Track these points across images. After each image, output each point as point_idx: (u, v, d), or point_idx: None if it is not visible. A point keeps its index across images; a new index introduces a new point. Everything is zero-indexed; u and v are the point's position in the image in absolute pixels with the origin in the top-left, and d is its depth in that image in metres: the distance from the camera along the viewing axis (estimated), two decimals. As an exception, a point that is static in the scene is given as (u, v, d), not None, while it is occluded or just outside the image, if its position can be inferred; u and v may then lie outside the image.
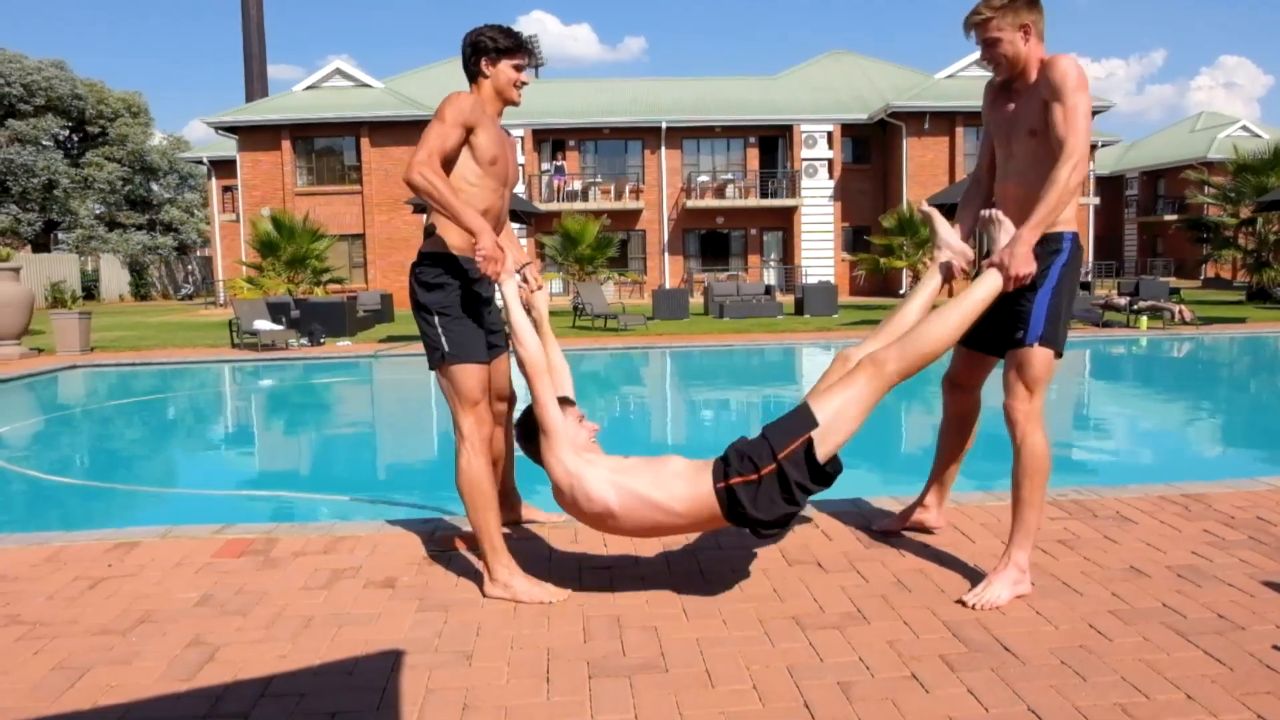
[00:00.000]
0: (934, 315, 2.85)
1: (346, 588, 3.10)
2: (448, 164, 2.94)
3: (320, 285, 20.25)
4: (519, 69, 3.11)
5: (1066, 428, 7.68)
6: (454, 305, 3.04)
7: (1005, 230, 2.94)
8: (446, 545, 3.51)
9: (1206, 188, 25.07)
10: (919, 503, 3.57)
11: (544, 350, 3.02)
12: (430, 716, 2.22)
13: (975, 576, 3.08)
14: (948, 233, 3.16)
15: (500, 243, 2.96)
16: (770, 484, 2.66)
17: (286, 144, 27.71)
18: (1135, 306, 15.11)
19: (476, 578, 3.16)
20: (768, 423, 2.79)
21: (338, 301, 16.31)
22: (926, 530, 3.57)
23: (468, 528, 3.71)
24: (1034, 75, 2.89)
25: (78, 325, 13.22)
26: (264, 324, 13.51)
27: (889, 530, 3.58)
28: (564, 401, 2.98)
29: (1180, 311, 14.69)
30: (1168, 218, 39.76)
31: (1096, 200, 35.09)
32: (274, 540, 3.62)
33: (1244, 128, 39.80)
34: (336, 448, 7.66)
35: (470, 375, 3.03)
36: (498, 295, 3.10)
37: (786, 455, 2.65)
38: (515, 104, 3.15)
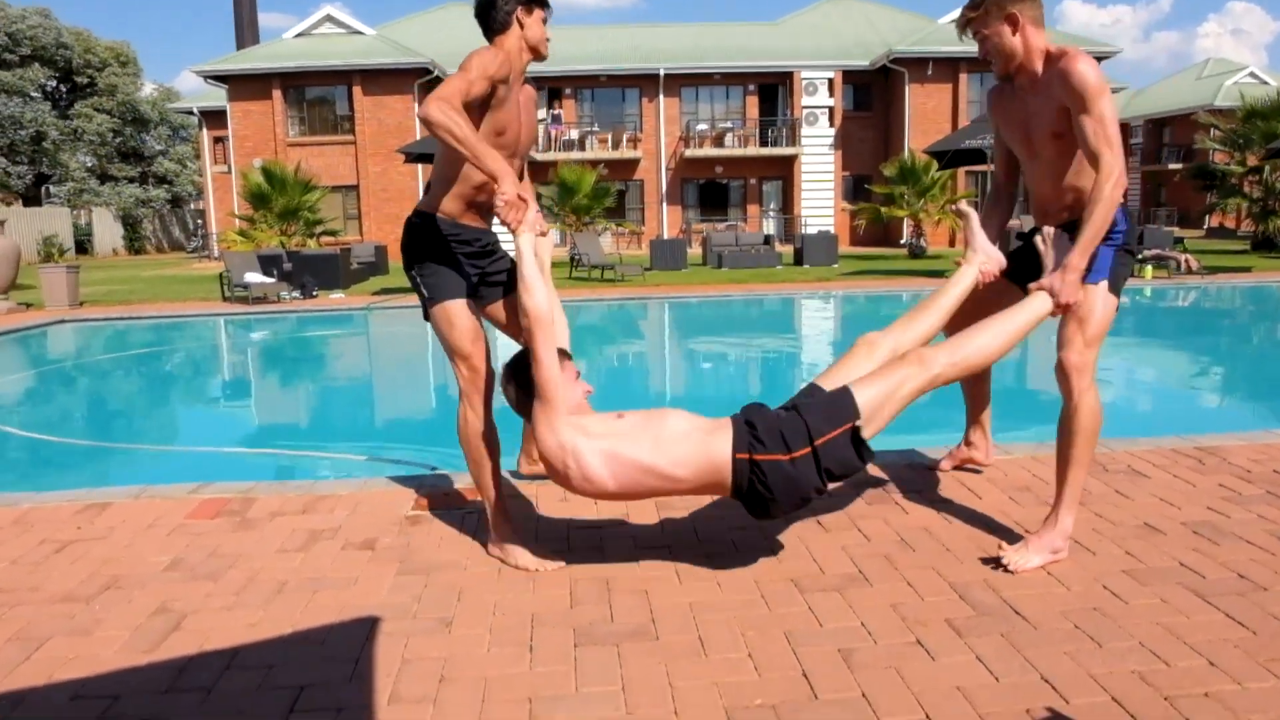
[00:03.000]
0: (985, 328, 2.71)
1: (324, 550, 2.96)
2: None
3: (313, 237, 19.98)
4: (546, 21, 2.88)
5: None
6: (432, 260, 2.88)
7: (1058, 251, 2.81)
8: (431, 504, 3.37)
9: (1214, 131, 24.58)
10: (965, 441, 3.62)
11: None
12: (405, 688, 2.09)
13: (982, 534, 2.95)
14: (981, 238, 3.03)
15: (523, 193, 2.72)
16: (802, 466, 2.43)
17: (277, 93, 27.21)
18: (1140, 255, 14.88)
19: (460, 539, 3.03)
20: (803, 403, 2.57)
21: (330, 254, 16.06)
22: (975, 468, 3.61)
23: (456, 484, 3.58)
24: (1039, 66, 2.74)
25: (65, 279, 13.01)
26: (255, 277, 13.30)
27: (941, 469, 3.65)
28: (561, 355, 2.65)
29: (1186, 261, 14.47)
30: (1172, 166, 39.24)
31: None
32: (251, 500, 3.48)
33: (1252, 74, 39.02)
34: (324, 402, 7.52)
35: (454, 315, 2.82)
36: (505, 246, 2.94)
37: (824, 441, 2.44)
38: (544, 58, 2.90)
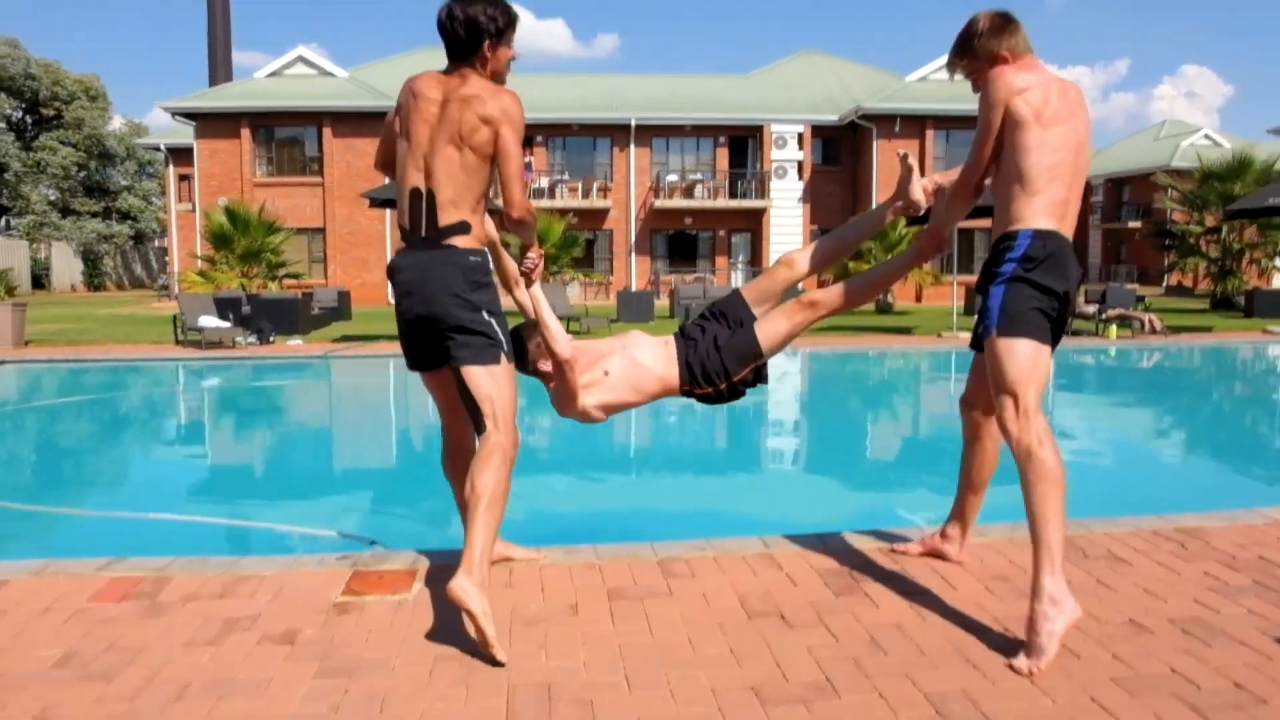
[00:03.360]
0: (866, 276, 3.44)
1: (237, 643, 2.67)
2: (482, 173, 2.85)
3: (275, 280, 19.62)
4: (510, 46, 2.90)
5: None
6: (499, 306, 2.87)
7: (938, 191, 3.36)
8: (364, 588, 3.09)
9: (1172, 191, 25.07)
10: (940, 532, 3.38)
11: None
12: (307, 828, 1.81)
13: (958, 632, 2.72)
14: (907, 186, 3.40)
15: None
16: (725, 391, 3.29)
17: (246, 132, 26.99)
18: (1104, 315, 14.94)
19: (391, 632, 2.75)
20: (724, 340, 3.28)
21: (291, 298, 15.74)
22: (942, 557, 3.37)
23: (395, 564, 3.31)
24: None
25: (10, 317, 12.58)
26: (209, 320, 12.93)
27: (906, 552, 3.43)
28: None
29: (1150, 320, 14.54)
30: (1132, 224, 40.04)
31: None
32: (165, 579, 3.18)
33: (1206, 136, 40.09)
34: (266, 462, 7.10)
35: (513, 372, 2.94)
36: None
37: (738, 378, 3.26)
38: (503, 84, 2.91)
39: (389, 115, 2.97)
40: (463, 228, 2.82)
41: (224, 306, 14.03)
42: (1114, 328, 14.54)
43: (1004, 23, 2.86)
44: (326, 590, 3.08)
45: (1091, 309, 15.31)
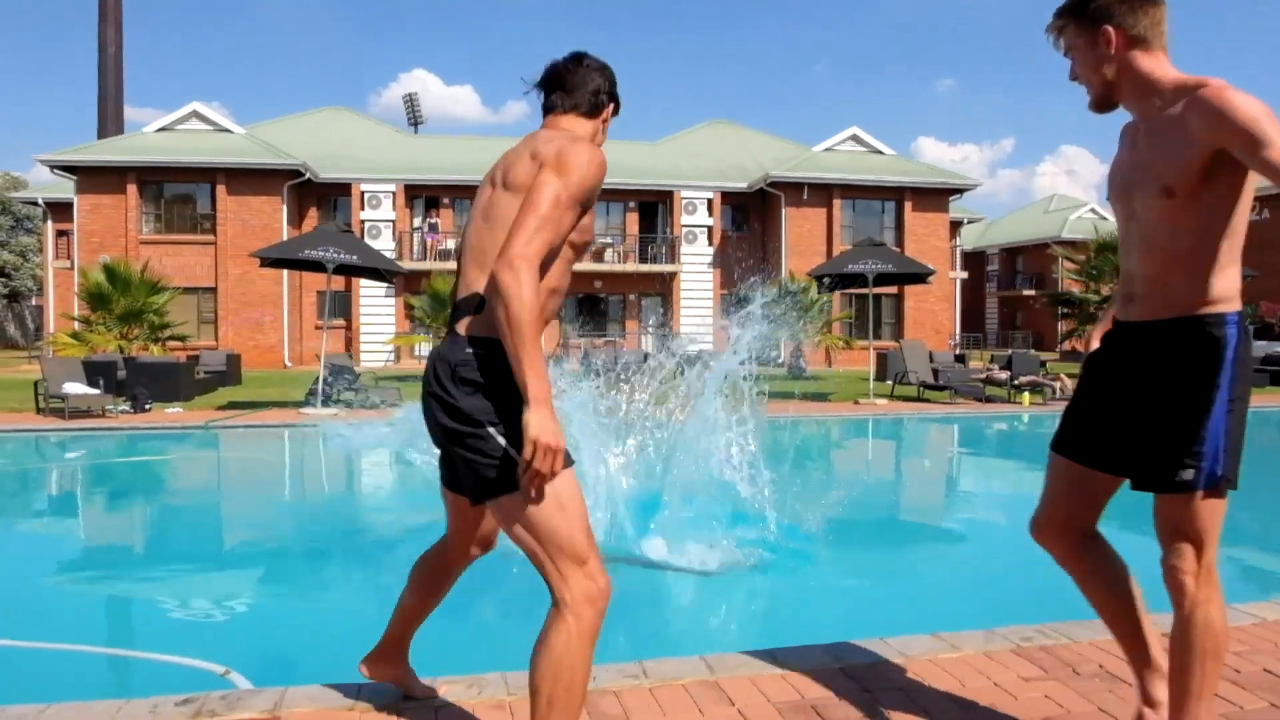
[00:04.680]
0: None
1: None
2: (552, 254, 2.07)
3: (158, 342, 18.34)
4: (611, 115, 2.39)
5: (979, 527, 6.99)
6: (509, 413, 1.97)
7: None
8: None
9: (1066, 262, 26.09)
10: (1145, 699, 2.49)
11: None
12: None
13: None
14: None
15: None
16: None
17: (133, 188, 25.64)
18: (1016, 381, 15.02)
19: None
20: None
21: (172, 362, 14.61)
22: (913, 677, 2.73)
23: (245, 710, 2.60)
24: (1153, 99, 2.08)
25: None
26: (75, 387, 11.75)
27: None
28: None
29: (1061, 386, 14.65)
30: (1026, 292, 41.69)
31: (964, 274, 36.41)
32: (-70, 747, 2.40)
33: (1092, 210, 42.25)
34: (103, 563, 5.69)
35: (567, 491, 1.97)
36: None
37: None
38: None
39: None
40: (474, 304, 2.07)
41: (97, 371, 12.86)
42: (1027, 394, 14.60)
43: None
44: (152, 755, 2.36)
45: (1004, 376, 15.38)
